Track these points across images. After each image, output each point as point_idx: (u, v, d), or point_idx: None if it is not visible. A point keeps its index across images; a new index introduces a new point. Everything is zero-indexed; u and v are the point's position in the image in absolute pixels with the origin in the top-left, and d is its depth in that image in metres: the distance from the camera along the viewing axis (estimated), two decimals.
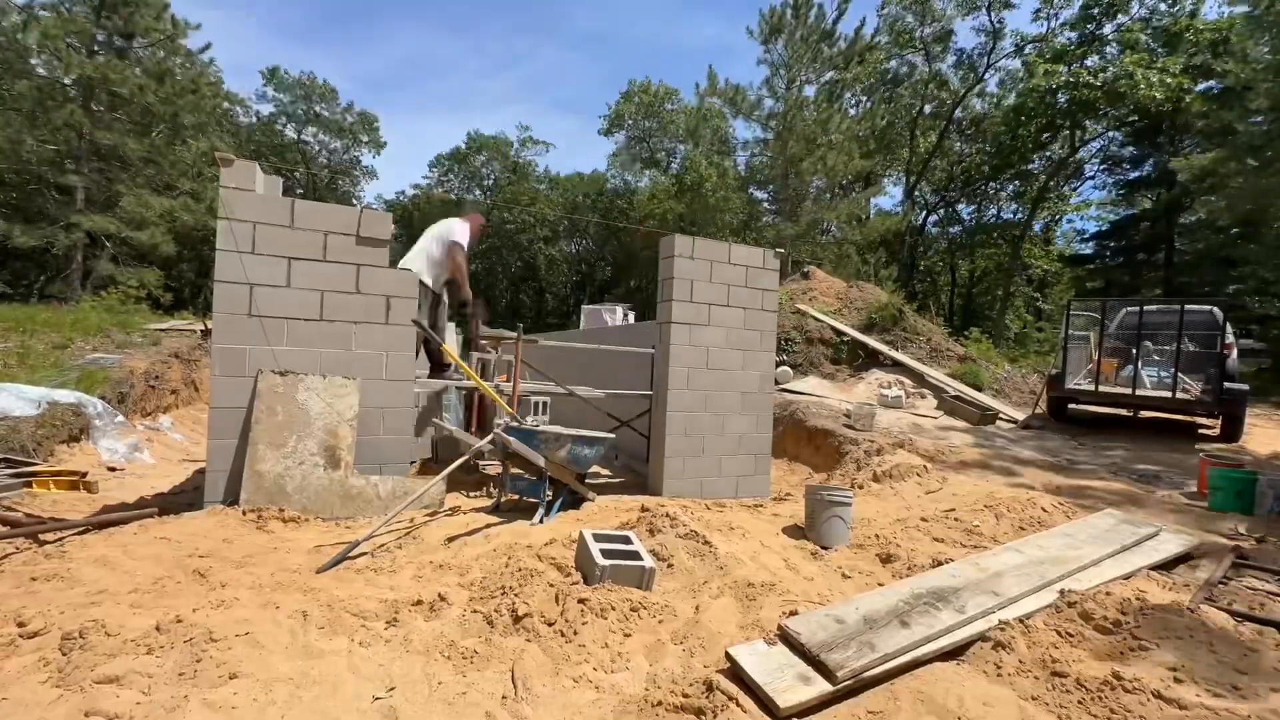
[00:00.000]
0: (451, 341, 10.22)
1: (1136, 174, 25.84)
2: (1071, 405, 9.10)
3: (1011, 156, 25.53)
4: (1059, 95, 20.17)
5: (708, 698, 2.03)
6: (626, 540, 3.23)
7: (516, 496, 4.64)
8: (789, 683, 2.15)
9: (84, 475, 4.51)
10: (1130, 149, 25.37)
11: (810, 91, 21.80)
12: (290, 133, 35.51)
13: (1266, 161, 14.72)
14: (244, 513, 3.79)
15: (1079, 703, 2.15)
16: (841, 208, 22.17)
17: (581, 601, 2.61)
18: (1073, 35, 23.99)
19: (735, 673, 2.22)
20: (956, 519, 4.49)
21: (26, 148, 16.30)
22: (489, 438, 4.67)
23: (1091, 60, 21.95)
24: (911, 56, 28.37)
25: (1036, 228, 28.95)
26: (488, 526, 3.99)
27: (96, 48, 17.93)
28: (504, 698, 2.07)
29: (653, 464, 5.55)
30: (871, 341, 11.52)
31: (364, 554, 3.40)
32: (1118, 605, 2.81)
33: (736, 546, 3.59)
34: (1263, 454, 7.41)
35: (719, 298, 5.64)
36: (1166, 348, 8.66)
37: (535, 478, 4.49)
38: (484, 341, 6.54)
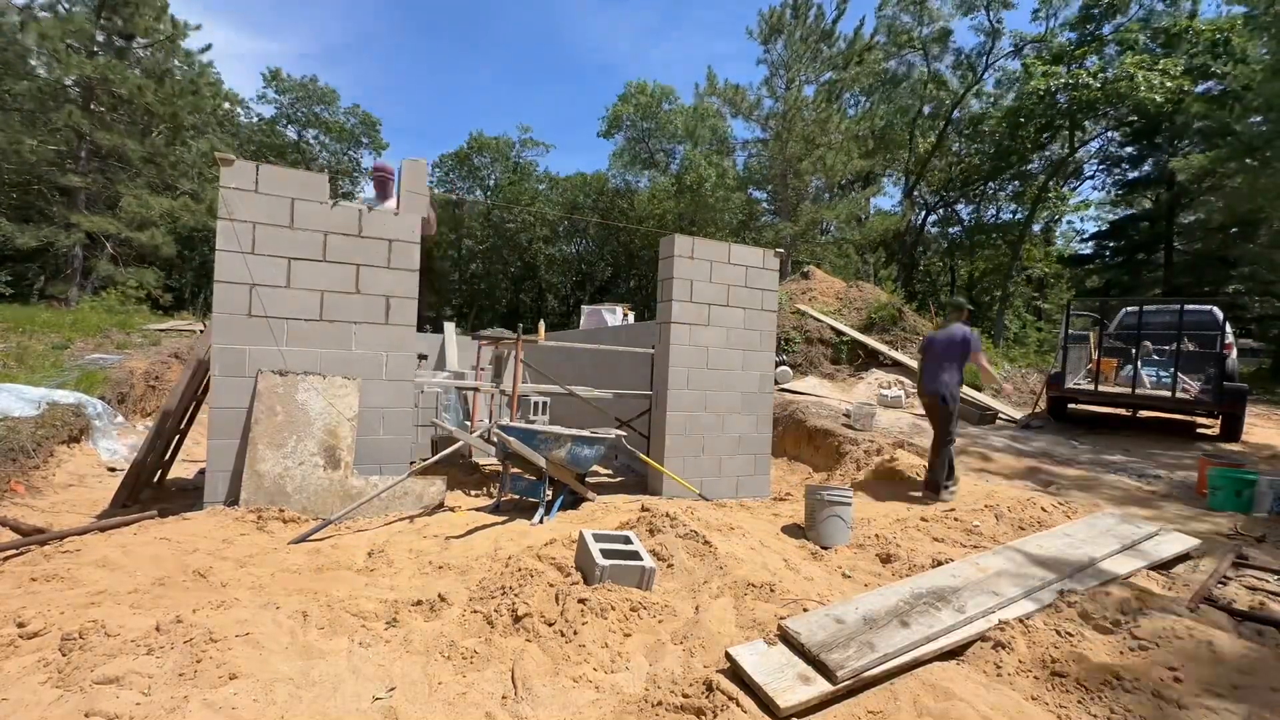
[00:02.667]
0: (452, 338, 10.22)
1: (1136, 174, 25.84)
2: (1071, 405, 9.11)
3: (1010, 157, 25.51)
4: (1058, 96, 20.17)
5: (708, 698, 2.02)
6: (626, 540, 3.23)
7: (516, 496, 4.64)
8: (789, 683, 2.14)
9: None
10: (1130, 149, 25.35)
11: (809, 92, 21.79)
12: (291, 134, 35.50)
13: (1266, 161, 14.72)
14: (244, 513, 3.80)
15: (1079, 703, 2.15)
16: (841, 208, 22.14)
17: (581, 601, 2.60)
18: (1072, 35, 23.99)
19: (735, 673, 2.22)
20: (956, 519, 4.49)
21: (27, 148, 16.30)
22: (479, 431, 4.67)
23: (1091, 61, 21.94)
24: (910, 56, 28.39)
25: (1036, 228, 28.93)
26: (488, 526, 3.99)
27: (96, 48, 17.92)
28: (504, 698, 2.07)
29: None
30: (871, 341, 11.52)
31: (368, 552, 3.40)
32: (1117, 605, 2.81)
33: (736, 546, 3.58)
34: (1259, 451, 7.41)
35: (719, 298, 5.65)
36: (1166, 347, 8.67)
37: (535, 478, 4.49)
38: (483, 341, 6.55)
